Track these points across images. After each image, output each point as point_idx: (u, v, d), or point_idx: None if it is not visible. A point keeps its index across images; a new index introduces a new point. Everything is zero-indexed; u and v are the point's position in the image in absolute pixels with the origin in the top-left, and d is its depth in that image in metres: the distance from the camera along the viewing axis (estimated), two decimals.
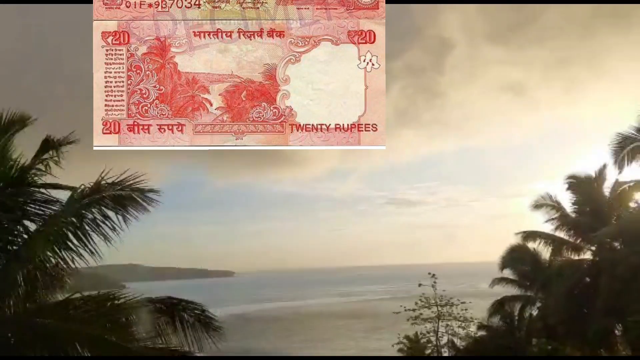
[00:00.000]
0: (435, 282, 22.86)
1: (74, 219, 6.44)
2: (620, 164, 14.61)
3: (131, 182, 6.68)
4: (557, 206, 20.45)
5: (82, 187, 6.81)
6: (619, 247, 18.18)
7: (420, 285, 23.25)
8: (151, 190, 6.69)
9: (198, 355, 6.97)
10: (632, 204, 18.91)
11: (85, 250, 6.48)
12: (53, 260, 6.65)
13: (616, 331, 18.27)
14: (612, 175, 18.76)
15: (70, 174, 7.49)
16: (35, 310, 6.67)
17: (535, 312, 21.71)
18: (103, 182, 6.68)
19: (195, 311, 7.19)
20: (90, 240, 6.46)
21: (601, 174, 19.89)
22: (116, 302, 6.54)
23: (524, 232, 21.17)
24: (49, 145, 7.35)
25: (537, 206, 20.50)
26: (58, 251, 6.51)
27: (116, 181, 6.69)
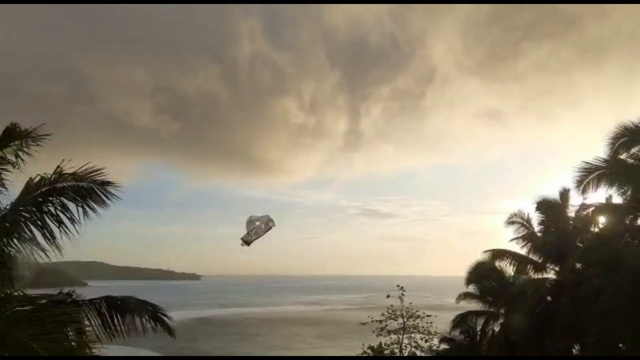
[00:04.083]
0: (403, 294, 22.93)
1: (33, 209, 6.00)
2: (584, 189, 15.16)
3: (92, 173, 6.26)
4: (526, 224, 21.00)
5: (42, 175, 6.35)
6: (581, 268, 18.53)
7: (388, 296, 23.29)
8: (111, 183, 6.28)
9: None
10: (594, 228, 19.33)
11: (44, 242, 6.11)
12: (9, 251, 6.23)
13: (574, 350, 18.59)
14: (578, 198, 19.18)
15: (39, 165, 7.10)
16: None
17: (497, 328, 21.94)
18: (63, 172, 6.24)
19: (150, 310, 6.99)
20: (51, 232, 6.09)
21: (566, 196, 20.39)
22: (59, 304, 6.16)
23: (491, 250, 21.59)
24: (14, 135, 6.88)
25: (510, 222, 21.27)
26: (16, 242, 6.09)
27: (77, 172, 6.25)
